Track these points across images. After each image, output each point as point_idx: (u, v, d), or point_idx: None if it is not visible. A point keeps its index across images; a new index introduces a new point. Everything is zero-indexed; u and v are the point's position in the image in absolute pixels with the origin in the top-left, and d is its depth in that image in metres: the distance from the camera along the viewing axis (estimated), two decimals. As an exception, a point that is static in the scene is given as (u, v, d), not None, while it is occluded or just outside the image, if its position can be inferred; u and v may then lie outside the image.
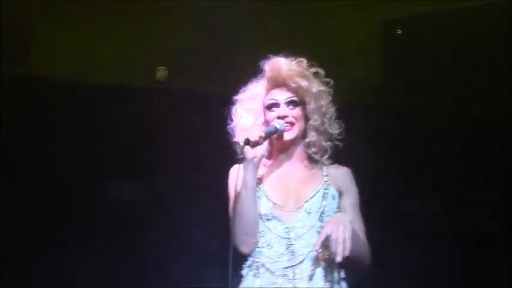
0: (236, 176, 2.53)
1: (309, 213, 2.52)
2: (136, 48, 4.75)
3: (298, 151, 2.67)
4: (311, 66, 2.68)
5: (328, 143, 2.66)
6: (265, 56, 2.76)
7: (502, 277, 5.85)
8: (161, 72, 4.71)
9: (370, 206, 5.54)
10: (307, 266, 2.44)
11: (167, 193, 6.16)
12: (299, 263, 2.45)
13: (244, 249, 2.50)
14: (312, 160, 2.67)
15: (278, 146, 2.66)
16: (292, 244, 2.48)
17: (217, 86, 4.76)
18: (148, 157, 5.65)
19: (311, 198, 2.53)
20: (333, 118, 2.66)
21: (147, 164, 5.74)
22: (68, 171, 5.89)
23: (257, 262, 2.52)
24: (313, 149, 2.66)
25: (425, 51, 4.25)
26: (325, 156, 2.65)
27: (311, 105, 2.61)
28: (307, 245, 2.46)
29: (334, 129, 2.66)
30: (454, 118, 4.72)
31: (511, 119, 4.56)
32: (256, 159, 2.50)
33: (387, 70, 4.30)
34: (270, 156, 2.70)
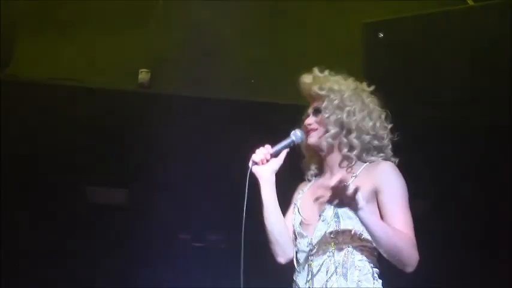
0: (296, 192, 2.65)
1: (323, 221, 2.53)
2: (119, 50, 4.73)
3: (334, 157, 2.65)
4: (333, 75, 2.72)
5: (355, 136, 2.60)
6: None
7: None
8: (144, 75, 4.70)
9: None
10: (322, 276, 2.47)
11: (150, 198, 6.16)
12: (315, 274, 2.49)
13: (276, 259, 2.63)
14: (351, 161, 2.61)
15: (322, 157, 2.67)
16: (312, 255, 2.52)
17: (202, 89, 4.77)
18: (131, 162, 5.64)
19: (327, 204, 2.48)
20: (357, 113, 2.61)
21: (130, 169, 5.73)
22: (49, 175, 5.87)
23: (294, 279, 2.60)
24: (344, 149, 2.61)
25: (407, 53, 4.27)
26: (355, 152, 2.59)
27: (326, 114, 2.63)
28: (323, 254, 2.49)
29: (363, 124, 2.60)
30: (435, 120, 4.76)
31: (493, 119, 4.63)
32: (266, 176, 2.60)
33: (367, 73, 4.31)
34: (321, 172, 2.73)
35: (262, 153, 2.61)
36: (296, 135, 2.67)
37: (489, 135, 4.92)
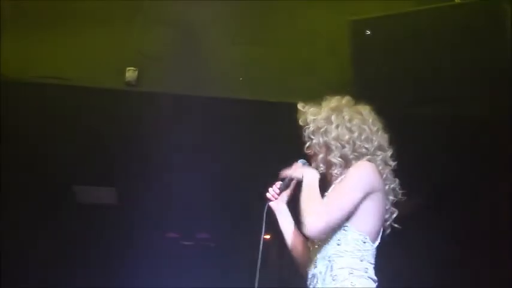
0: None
1: None
2: (106, 49, 4.71)
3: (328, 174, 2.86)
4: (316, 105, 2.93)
5: (333, 155, 2.82)
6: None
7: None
8: (130, 73, 4.67)
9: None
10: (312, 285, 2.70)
11: (139, 197, 6.15)
12: (309, 284, 2.73)
13: (299, 270, 2.93)
14: (339, 174, 2.82)
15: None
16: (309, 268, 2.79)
17: (190, 87, 4.76)
18: (119, 161, 5.61)
19: None
20: (333, 131, 2.82)
21: (120, 168, 5.71)
22: (38, 174, 5.84)
23: None
24: (330, 171, 2.84)
25: (395, 51, 4.27)
26: (338, 169, 2.81)
27: (317, 134, 2.86)
28: (313, 266, 2.73)
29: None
30: (424, 117, 4.77)
31: (484, 117, 4.64)
32: (280, 208, 2.94)
33: (356, 71, 4.31)
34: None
35: (270, 193, 2.93)
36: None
37: (481, 131, 4.93)
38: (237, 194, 5.69)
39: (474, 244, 6.21)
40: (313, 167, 2.86)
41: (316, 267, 2.67)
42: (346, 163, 2.79)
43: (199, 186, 5.71)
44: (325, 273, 2.62)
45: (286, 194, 2.95)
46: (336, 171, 2.80)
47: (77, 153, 5.51)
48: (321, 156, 2.84)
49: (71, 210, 6.43)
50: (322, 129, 2.83)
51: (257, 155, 5.24)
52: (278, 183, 2.95)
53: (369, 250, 2.64)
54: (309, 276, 2.72)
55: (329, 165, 2.82)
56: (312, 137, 2.85)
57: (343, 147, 2.80)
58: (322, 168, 2.84)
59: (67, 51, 4.66)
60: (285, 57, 4.75)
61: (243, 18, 4.74)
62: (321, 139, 2.83)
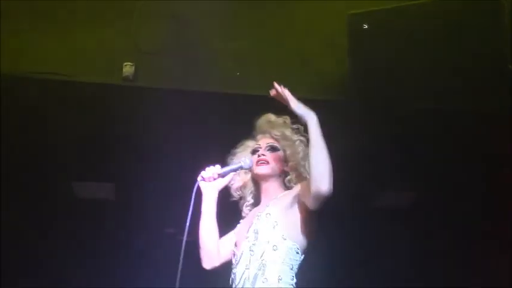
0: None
1: (247, 238, 2.92)
2: (103, 44, 4.71)
3: (275, 190, 3.05)
4: (293, 123, 3.10)
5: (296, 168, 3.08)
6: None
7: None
8: (128, 69, 4.67)
9: (345, 203, 5.58)
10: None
11: (137, 192, 6.14)
12: (237, 284, 2.86)
13: (202, 264, 3.04)
14: (290, 185, 3.07)
15: (260, 186, 3.08)
16: (236, 269, 2.91)
17: (187, 82, 4.76)
18: (117, 156, 5.61)
19: (252, 223, 2.94)
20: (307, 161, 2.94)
21: (118, 163, 5.71)
22: (37, 170, 5.84)
23: None
24: (292, 185, 3.05)
25: (392, 45, 4.28)
26: (294, 182, 3.06)
27: (291, 150, 3.06)
28: (242, 267, 2.86)
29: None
30: (422, 111, 4.77)
31: (481, 108, 4.65)
32: (210, 192, 3.02)
33: (353, 64, 4.32)
34: (256, 202, 3.13)
35: (211, 171, 3.02)
36: (245, 162, 3.05)
37: (478, 124, 4.94)
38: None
39: (468, 235, 6.23)
40: (263, 173, 3.05)
41: (248, 268, 2.81)
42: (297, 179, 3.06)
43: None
44: (255, 275, 2.77)
45: (221, 183, 3.04)
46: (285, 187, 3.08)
47: (76, 148, 5.51)
48: (294, 164, 3.07)
49: (70, 204, 6.43)
50: (301, 147, 3.07)
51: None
52: (218, 167, 3.01)
53: (298, 260, 2.85)
54: (237, 274, 2.86)
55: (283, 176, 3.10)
56: (292, 146, 3.09)
57: (300, 163, 3.07)
58: (271, 177, 3.07)
59: (64, 47, 4.67)
60: (282, 51, 4.75)
61: (239, 12, 4.74)
62: (289, 153, 3.09)
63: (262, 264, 2.78)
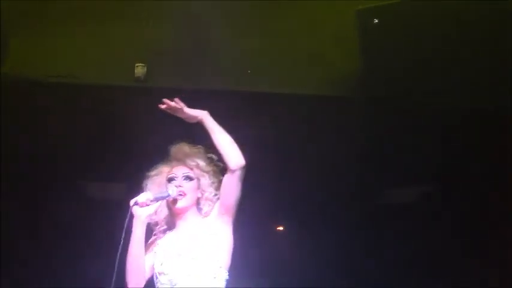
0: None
1: (184, 263, 3.10)
2: (115, 45, 4.73)
3: (193, 216, 3.24)
4: (207, 152, 3.29)
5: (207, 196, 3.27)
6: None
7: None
8: (139, 69, 4.70)
9: (354, 199, 5.53)
10: None
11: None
12: None
13: (128, 285, 3.12)
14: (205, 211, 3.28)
15: (176, 214, 3.24)
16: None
17: (199, 81, 4.77)
18: (129, 157, 5.63)
19: (185, 249, 3.12)
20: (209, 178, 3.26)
21: (128, 164, 5.72)
22: (50, 171, 5.87)
23: None
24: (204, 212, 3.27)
25: (402, 40, 4.27)
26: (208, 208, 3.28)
27: (206, 181, 3.24)
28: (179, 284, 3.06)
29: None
30: (431, 106, 4.76)
31: (493, 105, 4.64)
32: (142, 217, 3.11)
33: (363, 60, 4.32)
34: (172, 226, 3.27)
35: (145, 197, 3.12)
36: (173, 191, 3.18)
37: (489, 120, 4.93)
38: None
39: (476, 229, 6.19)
40: (181, 207, 3.21)
41: None
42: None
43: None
44: None
45: (152, 209, 3.15)
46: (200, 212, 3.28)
47: (88, 149, 5.53)
48: (211, 196, 3.26)
49: (82, 205, 6.44)
50: (216, 176, 3.27)
51: (264, 146, 5.25)
52: (149, 193, 3.15)
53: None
54: None
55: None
56: (208, 176, 3.27)
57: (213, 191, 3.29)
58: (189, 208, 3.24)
59: (76, 49, 4.69)
60: (292, 48, 4.75)
61: (250, 10, 4.74)
62: (215, 180, 3.27)
63: (196, 277, 3.04)
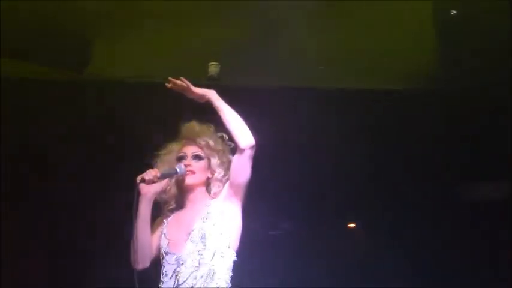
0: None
1: (192, 241, 3.06)
2: (188, 44, 4.77)
3: (201, 197, 3.19)
4: (217, 131, 3.23)
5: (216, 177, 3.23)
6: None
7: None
8: (213, 68, 4.72)
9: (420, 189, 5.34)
10: (189, 283, 3.01)
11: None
12: (181, 283, 3.02)
13: (134, 265, 3.09)
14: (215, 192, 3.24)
15: (185, 193, 3.21)
16: (178, 268, 3.05)
17: (272, 79, 4.77)
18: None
19: (194, 228, 3.08)
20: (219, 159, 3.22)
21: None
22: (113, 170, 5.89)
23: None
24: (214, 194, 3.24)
25: (479, 30, 4.15)
26: (218, 187, 3.23)
27: (216, 160, 3.20)
28: (190, 267, 3.02)
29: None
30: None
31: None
32: (149, 195, 3.07)
33: (443, 52, 4.22)
34: (181, 206, 3.24)
35: (151, 174, 3.05)
36: (181, 169, 3.13)
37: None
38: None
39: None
40: (190, 183, 3.16)
41: (197, 270, 3.01)
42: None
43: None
44: (206, 277, 3.01)
45: (159, 186, 3.10)
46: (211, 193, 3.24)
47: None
48: (220, 176, 3.21)
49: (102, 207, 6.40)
50: (226, 156, 3.24)
51: (349, 145, 5.16)
52: (157, 170, 3.08)
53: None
54: (184, 273, 3.02)
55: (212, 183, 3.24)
56: (218, 155, 3.23)
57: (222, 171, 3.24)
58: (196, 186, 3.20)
59: (150, 50, 4.76)
60: (369, 42, 4.67)
61: (325, 8, 4.69)
62: (225, 160, 3.22)
63: (213, 269, 3.01)
